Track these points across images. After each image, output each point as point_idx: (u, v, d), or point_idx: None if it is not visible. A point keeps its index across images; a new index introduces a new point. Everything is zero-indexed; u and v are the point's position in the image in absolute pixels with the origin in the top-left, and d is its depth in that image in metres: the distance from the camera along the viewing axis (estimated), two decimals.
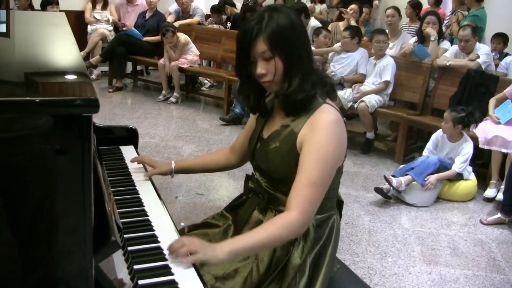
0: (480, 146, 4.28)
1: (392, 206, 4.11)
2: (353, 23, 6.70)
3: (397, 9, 6.00)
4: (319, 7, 8.21)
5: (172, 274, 1.45)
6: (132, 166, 2.16)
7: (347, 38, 5.53)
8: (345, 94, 5.28)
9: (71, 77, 1.28)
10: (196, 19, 7.49)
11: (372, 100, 5.14)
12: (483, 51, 5.11)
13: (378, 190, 4.09)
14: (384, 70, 5.24)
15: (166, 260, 1.51)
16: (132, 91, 7.32)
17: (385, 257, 3.30)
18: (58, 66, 1.38)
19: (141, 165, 2.16)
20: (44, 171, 1.07)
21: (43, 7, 6.69)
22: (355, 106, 5.20)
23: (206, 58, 7.35)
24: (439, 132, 4.39)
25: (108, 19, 7.66)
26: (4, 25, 1.80)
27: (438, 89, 5.25)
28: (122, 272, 1.38)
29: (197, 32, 7.14)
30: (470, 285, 3.08)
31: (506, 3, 6.54)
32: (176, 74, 6.61)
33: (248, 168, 1.98)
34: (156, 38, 7.03)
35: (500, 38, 6.01)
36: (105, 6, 7.71)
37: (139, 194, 1.93)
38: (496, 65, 5.30)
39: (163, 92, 6.81)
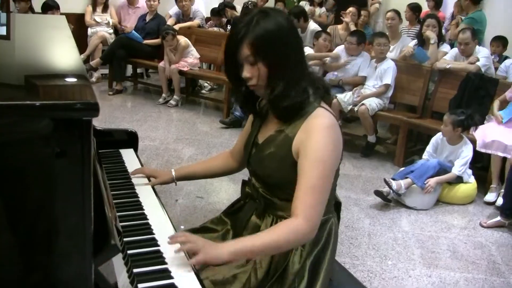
0: (478, 149, 4.28)
1: (392, 209, 4.11)
2: (352, 26, 6.70)
3: (397, 12, 6.01)
4: (318, 10, 8.21)
5: (171, 277, 1.44)
6: (132, 170, 2.16)
7: (354, 44, 5.52)
8: (345, 97, 5.28)
9: (71, 80, 1.28)
10: (196, 22, 7.49)
11: (373, 103, 5.14)
12: (483, 54, 5.11)
13: (378, 193, 4.09)
14: (385, 73, 5.24)
15: (165, 263, 1.50)
16: (132, 94, 7.32)
17: (385, 260, 3.30)
18: (58, 69, 1.39)
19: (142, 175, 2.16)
20: (44, 175, 1.07)
21: (44, 11, 6.70)
22: (355, 109, 5.20)
23: (206, 61, 7.34)
24: (438, 135, 4.40)
25: (109, 22, 7.67)
26: (4, 28, 1.80)
27: (438, 92, 5.26)
28: (121, 275, 1.38)
29: (197, 35, 7.14)
30: None
31: (506, 7, 6.55)
32: (176, 77, 6.61)
33: (247, 172, 1.98)
34: (156, 41, 7.03)
35: (499, 41, 6.02)
36: (105, 9, 7.71)
37: (138, 197, 1.93)
38: (496, 68, 5.31)
39: (163, 95, 6.81)
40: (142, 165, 2.27)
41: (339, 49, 5.73)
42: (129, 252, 1.50)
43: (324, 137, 1.59)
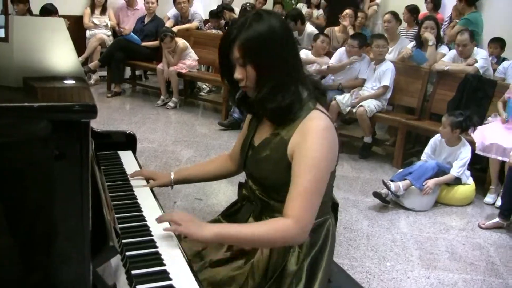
0: (477, 152, 4.28)
1: (391, 210, 4.11)
2: (351, 30, 6.68)
3: (394, 14, 6.02)
4: (316, 12, 8.22)
5: (170, 279, 1.44)
6: (130, 171, 2.16)
7: (355, 48, 5.51)
8: (343, 99, 5.28)
9: (69, 82, 1.28)
10: (195, 24, 7.50)
11: (371, 105, 5.15)
12: (481, 56, 5.12)
13: (376, 194, 4.09)
14: (383, 75, 5.25)
15: (164, 265, 1.51)
16: (131, 96, 7.32)
17: (383, 261, 3.30)
18: (57, 71, 1.39)
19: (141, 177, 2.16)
20: (42, 176, 1.07)
21: (43, 15, 6.69)
22: (354, 111, 5.20)
23: (204, 63, 7.35)
24: (437, 137, 4.40)
25: (107, 24, 7.68)
26: (2, 30, 1.80)
27: (436, 94, 5.27)
28: (120, 277, 1.38)
29: (195, 37, 7.15)
30: None
31: (504, 8, 6.56)
32: (174, 79, 6.62)
33: (244, 174, 1.99)
34: (155, 43, 7.04)
35: (497, 43, 6.02)
36: (103, 11, 7.72)
37: (137, 199, 1.93)
38: (494, 70, 5.32)
39: (162, 97, 6.81)
40: (140, 167, 2.27)
41: (340, 52, 5.72)
42: (127, 253, 1.50)
43: (318, 140, 1.59)
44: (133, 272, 1.43)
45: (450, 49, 5.64)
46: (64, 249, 1.11)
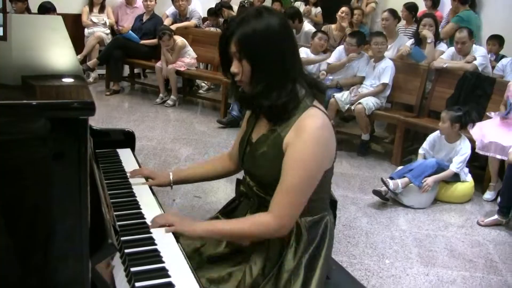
0: (477, 150, 4.29)
1: (390, 208, 4.11)
2: (348, 30, 6.65)
3: (392, 12, 6.01)
4: (314, 10, 8.21)
5: (169, 276, 1.45)
6: (129, 169, 2.16)
7: (354, 46, 5.50)
8: (342, 96, 5.28)
9: (67, 80, 1.28)
10: (193, 22, 7.49)
11: (370, 103, 5.15)
12: (480, 53, 5.13)
13: (375, 192, 4.10)
14: (383, 72, 5.25)
15: (163, 262, 1.51)
16: (129, 94, 7.32)
17: (382, 259, 3.30)
18: (55, 69, 1.39)
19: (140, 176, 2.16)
20: (41, 174, 1.07)
21: (41, 13, 6.68)
22: (353, 108, 5.20)
23: (203, 61, 7.35)
24: (436, 134, 4.40)
25: (105, 22, 7.66)
26: (1, 29, 1.80)
27: (435, 91, 5.27)
28: (119, 274, 1.38)
29: (194, 35, 7.14)
30: (467, 286, 3.09)
31: (502, 7, 6.57)
32: (173, 77, 6.61)
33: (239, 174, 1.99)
34: (153, 41, 7.02)
35: (495, 40, 6.02)
36: (102, 10, 7.70)
37: (136, 197, 1.93)
38: (493, 67, 5.32)
39: (160, 95, 6.81)
40: (139, 165, 2.27)
41: (339, 50, 5.71)
42: (126, 251, 1.50)
43: (311, 139, 1.60)
44: (132, 269, 1.43)
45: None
46: (62, 248, 1.11)
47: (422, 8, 7.13)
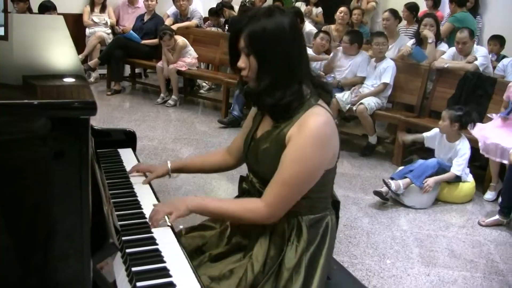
0: (481, 152, 4.28)
1: (391, 208, 4.11)
2: (342, 27, 6.65)
3: (393, 12, 6.01)
4: (315, 10, 8.20)
5: (170, 276, 1.45)
6: (130, 168, 2.16)
7: (346, 43, 5.52)
8: (343, 96, 5.28)
9: (69, 80, 1.28)
10: (194, 22, 7.49)
11: (371, 103, 5.15)
12: (481, 53, 5.12)
13: (376, 193, 4.09)
14: (384, 72, 5.25)
15: (164, 262, 1.51)
16: (130, 94, 7.32)
17: (383, 259, 3.30)
18: (56, 69, 1.39)
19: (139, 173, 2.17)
20: (42, 174, 1.07)
21: (41, 12, 6.68)
22: (354, 108, 5.20)
23: (204, 61, 7.35)
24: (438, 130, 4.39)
25: (106, 22, 7.67)
26: (2, 28, 1.80)
27: (436, 91, 5.27)
28: (120, 274, 1.38)
29: (195, 35, 7.14)
30: (468, 286, 3.09)
31: (503, 6, 6.57)
32: (174, 77, 6.62)
33: (242, 170, 1.99)
34: (154, 41, 7.03)
35: (496, 40, 6.02)
36: (103, 9, 7.71)
37: (137, 196, 1.93)
38: (494, 67, 5.32)
39: (161, 95, 6.81)
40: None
41: (340, 50, 5.72)
42: (127, 250, 1.51)
43: (313, 135, 1.61)
44: (133, 269, 1.43)
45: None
46: (64, 247, 1.11)
47: (423, 8, 7.12)
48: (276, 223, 1.72)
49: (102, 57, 7.12)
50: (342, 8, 6.81)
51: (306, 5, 8.23)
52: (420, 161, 4.32)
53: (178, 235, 1.73)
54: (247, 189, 1.87)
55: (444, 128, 4.25)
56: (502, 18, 6.48)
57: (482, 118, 4.66)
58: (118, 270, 1.38)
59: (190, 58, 6.69)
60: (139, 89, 7.65)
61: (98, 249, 1.19)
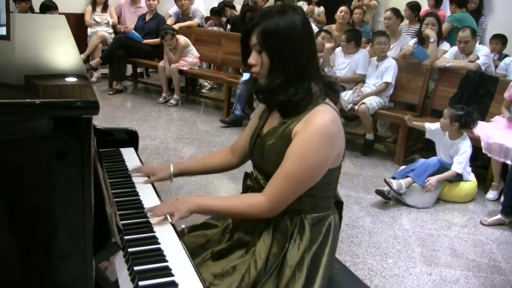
0: (484, 151, 4.27)
1: (393, 207, 4.11)
2: (340, 26, 6.64)
3: (395, 11, 5.99)
4: (317, 9, 8.20)
5: (172, 275, 1.45)
6: (132, 168, 2.17)
7: (344, 42, 5.54)
8: (345, 96, 5.28)
9: (71, 79, 1.28)
10: (196, 21, 7.49)
11: (373, 102, 5.15)
12: (483, 52, 5.11)
13: (378, 192, 4.09)
14: (386, 71, 5.24)
15: (166, 261, 1.51)
16: (132, 94, 7.33)
17: (385, 258, 3.30)
18: (58, 68, 1.39)
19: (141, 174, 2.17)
20: (44, 173, 1.07)
21: (42, 12, 6.69)
22: (356, 108, 5.20)
23: (206, 60, 7.35)
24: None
25: (108, 21, 7.67)
26: (4, 28, 1.80)
27: (437, 91, 5.26)
28: (122, 273, 1.38)
29: (197, 35, 7.14)
30: (471, 286, 3.08)
31: (504, 6, 6.56)
32: (176, 76, 6.62)
33: (247, 168, 1.99)
34: (156, 40, 7.03)
35: (498, 39, 6.01)
36: (105, 9, 7.71)
37: (139, 196, 1.93)
38: (496, 66, 5.31)
39: (163, 94, 6.81)
40: (142, 164, 2.27)
41: (339, 49, 5.72)
42: (129, 250, 1.51)
43: (318, 131, 1.62)
44: (136, 268, 1.44)
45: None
46: (66, 246, 1.11)
47: (425, 7, 7.10)
48: (279, 220, 1.72)
49: (104, 57, 7.12)
50: (342, 8, 6.79)
51: (308, 5, 8.22)
52: (422, 160, 4.32)
53: (180, 234, 1.73)
54: (251, 186, 1.87)
55: (444, 126, 4.25)
56: (504, 18, 6.47)
57: (484, 117, 4.65)
58: (120, 269, 1.38)
59: (192, 58, 6.69)
60: (141, 88, 7.65)
61: (100, 248, 1.19)
